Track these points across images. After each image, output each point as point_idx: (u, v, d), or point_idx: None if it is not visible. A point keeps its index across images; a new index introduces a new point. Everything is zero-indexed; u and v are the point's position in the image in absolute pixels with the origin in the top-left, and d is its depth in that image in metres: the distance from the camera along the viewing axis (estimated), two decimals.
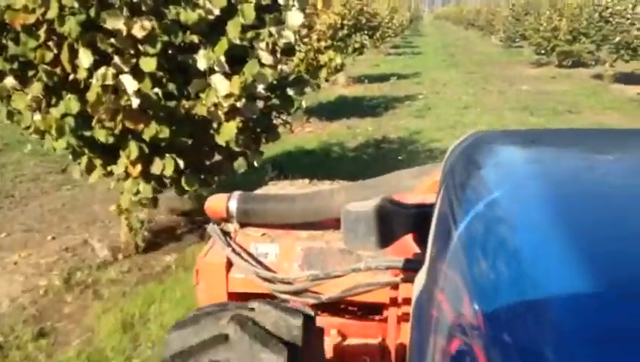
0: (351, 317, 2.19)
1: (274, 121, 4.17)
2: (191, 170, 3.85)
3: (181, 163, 3.68)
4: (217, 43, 3.49)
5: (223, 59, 3.34)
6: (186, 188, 3.82)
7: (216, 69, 3.35)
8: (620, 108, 11.52)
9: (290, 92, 3.87)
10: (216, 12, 3.43)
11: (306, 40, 8.85)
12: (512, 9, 25.43)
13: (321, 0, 9.20)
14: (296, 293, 1.92)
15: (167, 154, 3.67)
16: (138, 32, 3.20)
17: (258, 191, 2.43)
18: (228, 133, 3.57)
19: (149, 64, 3.32)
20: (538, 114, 10.80)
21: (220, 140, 3.60)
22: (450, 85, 15.28)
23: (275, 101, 3.96)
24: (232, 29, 3.43)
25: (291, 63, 8.91)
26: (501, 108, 11.51)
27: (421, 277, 1.10)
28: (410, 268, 1.62)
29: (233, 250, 2.01)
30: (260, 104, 4.11)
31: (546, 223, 0.74)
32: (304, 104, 3.89)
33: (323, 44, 9.02)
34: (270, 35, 3.63)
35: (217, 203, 2.11)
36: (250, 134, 3.89)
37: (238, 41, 3.49)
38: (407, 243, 1.58)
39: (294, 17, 3.61)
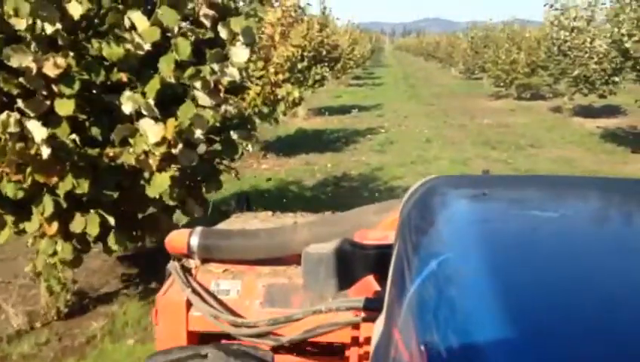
0: (312, 357, 2.14)
1: (218, 167, 3.70)
2: (120, 226, 3.34)
3: (111, 219, 3.17)
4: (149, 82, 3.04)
5: (151, 101, 2.88)
6: (114, 247, 3.30)
7: (144, 112, 2.88)
8: (580, 142, 11.46)
9: (234, 136, 3.42)
10: (147, 47, 2.98)
11: (262, 73, 8.46)
12: (471, 42, 25.74)
13: (278, 32, 8.88)
14: (258, 336, 1.88)
15: (90, 210, 3.17)
16: (51, 70, 2.72)
17: (221, 225, 2.42)
18: (160, 184, 3.09)
19: (65, 106, 2.84)
20: (500, 148, 10.63)
21: (151, 193, 3.12)
22: (411, 117, 15.11)
23: (218, 146, 3.50)
24: (165, 67, 2.98)
25: (248, 98, 8.50)
26: (463, 143, 11.31)
27: (381, 319, 1.14)
28: (371, 307, 1.62)
29: (193, 290, 1.96)
30: (203, 148, 3.66)
31: (489, 288, 0.80)
32: (251, 148, 3.42)
33: (281, 77, 8.63)
34: (212, 72, 3.20)
35: (178, 238, 2.06)
36: (189, 184, 3.41)
37: (172, 80, 3.04)
38: (369, 282, 1.57)
39: (239, 53, 3.19)
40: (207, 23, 3.36)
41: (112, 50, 2.87)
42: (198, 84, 2.99)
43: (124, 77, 3.06)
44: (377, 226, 1.86)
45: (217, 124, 3.41)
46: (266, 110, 8.69)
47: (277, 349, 1.95)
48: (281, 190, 7.52)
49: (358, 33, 28.03)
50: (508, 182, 1.69)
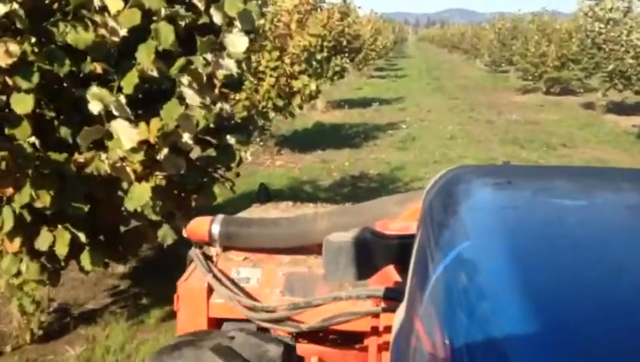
0: (331, 345, 2.15)
1: (213, 175, 3.19)
2: (96, 243, 2.86)
3: (82, 236, 2.70)
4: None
5: (123, 99, 2.38)
6: (88, 267, 2.82)
7: (115, 112, 2.39)
8: (616, 142, 10.75)
9: (230, 140, 2.91)
10: (123, 32, 2.48)
11: (277, 63, 7.94)
12: (498, 33, 24.89)
13: (295, 20, 8.35)
14: (277, 322, 1.90)
15: (59, 225, 2.69)
16: (2, 59, 2.24)
17: (241, 214, 2.38)
18: (140, 196, 2.60)
19: (22, 103, 2.36)
20: (530, 147, 9.98)
21: (130, 206, 2.63)
22: (434, 112, 14.48)
23: (212, 152, 2.99)
24: (145, 56, 2.48)
25: (261, 90, 8.01)
26: (490, 140, 10.68)
27: (402, 308, 1.14)
28: (391, 297, 1.62)
29: (214, 276, 1.99)
30: (197, 152, 3.16)
31: (512, 273, 0.80)
32: (249, 156, 2.88)
33: (297, 68, 8.11)
34: (206, 63, 2.70)
35: (199, 226, 2.09)
36: (177, 196, 2.92)
37: (154, 73, 2.54)
38: (389, 273, 1.58)
39: (237, 42, 2.68)
40: (201, 6, 2.85)
41: (78, 36, 2.38)
42: (184, 78, 2.49)
43: (98, 68, 2.57)
44: (399, 217, 1.86)
45: (212, 125, 2.91)
46: (280, 103, 8.18)
47: (297, 337, 1.94)
48: (294, 190, 7.01)
49: (381, 23, 27.31)
50: (530, 172, 1.65)
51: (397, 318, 1.16)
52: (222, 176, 3.13)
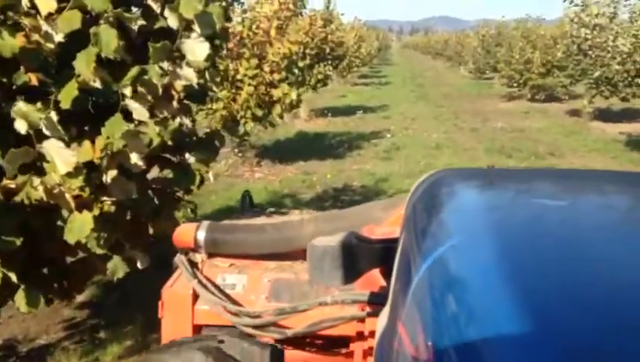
0: (317, 351, 2.14)
1: (174, 197, 2.83)
2: (34, 279, 2.49)
3: (12, 276, 2.32)
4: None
5: (54, 116, 2.03)
6: (24, 309, 2.45)
7: (45, 132, 2.03)
8: (604, 150, 10.54)
9: (190, 159, 2.55)
10: (59, 38, 2.13)
11: (256, 72, 7.60)
12: (482, 40, 24.77)
13: (274, 27, 8.01)
14: (262, 327, 1.90)
15: None
16: None
17: (227, 221, 2.39)
18: (80, 228, 2.23)
19: None
20: (517, 156, 9.73)
21: (71, 238, 2.27)
22: (419, 120, 14.22)
23: (169, 173, 2.64)
24: (84, 65, 2.12)
25: (239, 99, 7.67)
26: (475, 149, 10.42)
27: (385, 312, 1.14)
28: (377, 302, 1.61)
29: (199, 282, 1.99)
30: (154, 173, 2.82)
31: (497, 274, 0.79)
32: (212, 177, 2.53)
33: (277, 76, 7.77)
34: (163, 73, 2.35)
35: (185, 232, 2.11)
36: (130, 223, 2.55)
37: (96, 84, 2.19)
38: (374, 277, 1.54)
39: (196, 49, 2.34)
40: (157, 8, 2.51)
41: (3, 42, 2.02)
42: (128, 90, 2.13)
43: (33, 79, 2.21)
44: (384, 222, 1.87)
45: (170, 143, 2.56)
46: (260, 113, 7.83)
47: (282, 343, 1.93)
48: (274, 204, 6.64)
49: (365, 30, 27.09)
50: (512, 174, 1.70)
51: (380, 322, 1.16)
52: (182, 198, 2.77)
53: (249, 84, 7.62)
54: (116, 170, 2.29)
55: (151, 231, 2.56)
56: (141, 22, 2.43)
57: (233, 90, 7.69)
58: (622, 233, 0.98)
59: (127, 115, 2.17)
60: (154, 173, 2.81)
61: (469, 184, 1.28)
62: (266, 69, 7.69)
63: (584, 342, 0.64)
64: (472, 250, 0.89)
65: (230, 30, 7.57)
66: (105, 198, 2.39)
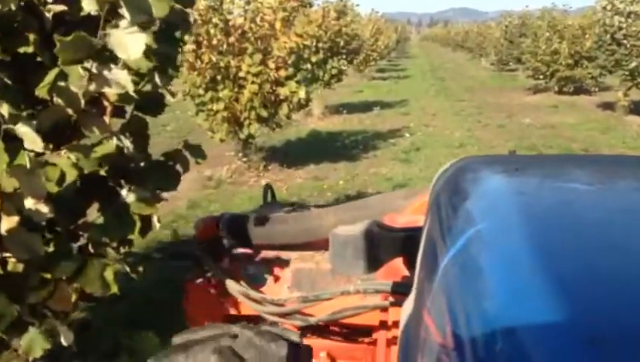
0: (340, 339, 2.14)
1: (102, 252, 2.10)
2: None
3: None
4: None
5: None
6: None
7: None
8: None
9: (128, 198, 1.84)
10: None
11: (260, 68, 6.91)
12: (505, 30, 23.77)
13: (280, 19, 7.30)
14: (286, 315, 1.91)
15: None
16: None
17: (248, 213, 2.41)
18: None
19: None
20: None
21: None
22: (440, 116, 13.42)
23: (98, 217, 1.92)
24: None
25: (242, 98, 6.97)
26: (503, 148, 9.58)
27: (410, 300, 1.13)
28: (400, 291, 1.60)
29: (222, 272, 2.01)
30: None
31: (526, 257, 0.77)
32: (157, 223, 1.80)
33: (283, 73, 7.06)
34: (89, 76, 1.66)
35: (207, 224, 2.15)
36: (44, 288, 1.86)
37: None
38: (397, 267, 1.53)
39: (127, 42, 1.64)
40: None
41: None
42: (4, 108, 1.44)
43: None
44: (406, 210, 1.88)
45: (104, 172, 1.86)
46: (265, 113, 7.14)
47: (305, 332, 1.98)
48: None
49: (383, 23, 26.23)
50: (538, 160, 1.79)
51: (405, 311, 1.14)
52: (117, 251, 2.03)
53: (253, 82, 6.93)
54: (16, 217, 1.60)
55: (74, 297, 1.85)
56: (60, 7, 1.76)
57: (235, 89, 7.00)
58: None
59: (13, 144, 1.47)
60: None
61: (493, 170, 1.25)
62: (271, 65, 6.98)
63: (616, 328, 0.62)
64: (500, 234, 0.87)
65: (231, 23, 6.89)
66: (6, 254, 1.71)
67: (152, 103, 2.08)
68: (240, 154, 7.74)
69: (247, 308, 1.95)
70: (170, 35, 2.10)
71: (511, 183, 1.17)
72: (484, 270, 0.80)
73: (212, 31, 6.72)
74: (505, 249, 0.82)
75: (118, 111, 1.95)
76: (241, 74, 6.93)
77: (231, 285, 1.96)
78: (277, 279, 2.04)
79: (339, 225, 1.42)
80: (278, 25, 6.98)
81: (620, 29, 11.73)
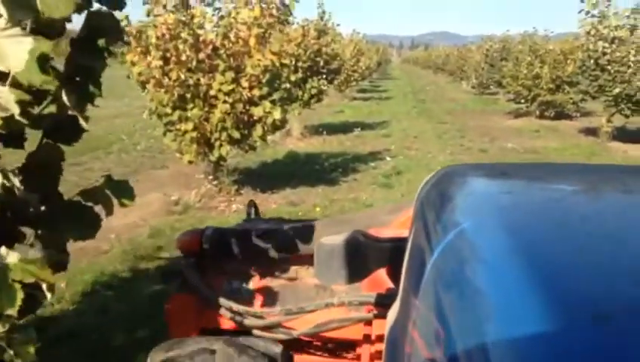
0: (323, 354, 2.12)
1: None
2: None
3: None
4: None
5: None
6: None
7: None
8: None
9: (9, 258, 1.36)
10: None
11: (232, 87, 6.49)
12: (486, 54, 23.74)
13: (254, 35, 6.90)
14: (269, 328, 1.92)
15: None
16: None
17: (232, 227, 2.42)
18: None
19: None
20: None
21: None
22: (422, 138, 13.11)
23: None
24: None
25: (213, 118, 6.55)
26: None
27: (394, 311, 1.12)
28: (384, 303, 1.56)
29: (205, 286, 2.00)
30: None
31: (511, 257, 0.75)
32: (49, 294, 1.33)
33: (257, 92, 6.65)
34: None
35: (190, 237, 2.16)
36: None
37: None
38: (381, 279, 1.56)
39: (9, 50, 1.21)
40: None
41: None
42: None
43: None
44: (391, 225, 1.92)
45: None
46: (237, 134, 6.71)
47: (288, 346, 1.95)
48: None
49: (364, 44, 26.07)
50: (522, 167, 1.75)
51: (389, 322, 1.13)
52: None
53: (224, 101, 6.51)
54: None
55: None
56: None
57: (206, 109, 6.57)
58: (627, 213, 0.97)
59: None
60: None
61: (477, 175, 1.25)
62: (244, 83, 6.57)
63: (605, 325, 0.61)
64: (485, 233, 0.84)
65: (202, 39, 6.48)
66: None
67: (64, 129, 1.64)
68: (210, 177, 7.27)
69: (231, 322, 1.94)
70: (92, 43, 1.67)
71: (495, 185, 1.17)
72: (465, 278, 0.77)
73: (181, 46, 6.29)
74: (485, 255, 0.80)
75: (13, 141, 1.52)
76: (212, 92, 6.51)
77: (213, 299, 1.96)
78: (261, 293, 2.03)
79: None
80: (252, 41, 6.58)
81: (604, 54, 11.56)
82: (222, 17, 6.81)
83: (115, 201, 1.70)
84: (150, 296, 4.13)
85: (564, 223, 0.90)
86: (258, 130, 6.83)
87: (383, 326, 1.22)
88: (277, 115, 6.72)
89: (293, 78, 11.74)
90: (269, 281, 2.07)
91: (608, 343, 0.57)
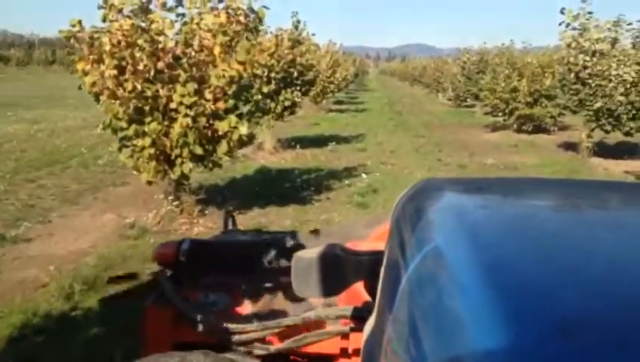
0: None
1: None
2: None
3: None
4: None
5: None
6: None
7: None
8: None
9: None
10: None
11: (194, 99, 5.95)
12: (463, 67, 23.55)
13: (220, 44, 6.38)
14: (246, 343, 1.92)
15: None
16: None
17: (209, 238, 2.47)
18: None
19: None
20: None
21: None
22: (399, 153, 12.71)
23: None
24: None
25: (173, 132, 5.99)
26: None
27: (370, 324, 1.12)
28: (361, 317, 1.60)
29: (181, 299, 1.99)
30: None
31: (482, 273, 0.75)
32: None
33: (222, 105, 6.12)
34: None
35: (168, 249, 2.14)
36: None
37: None
38: (358, 292, 1.56)
39: None
40: None
41: None
42: None
43: None
44: (368, 238, 1.92)
45: None
46: (200, 150, 6.16)
47: (265, 361, 1.95)
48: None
49: (341, 54, 25.69)
50: (498, 181, 1.77)
51: (365, 335, 1.13)
52: None
53: (185, 115, 5.95)
54: None
55: None
56: None
57: (165, 123, 6.01)
58: (603, 227, 0.99)
59: None
60: None
61: (452, 190, 1.24)
62: (208, 96, 6.04)
63: (571, 339, 0.61)
64: (458, 249, 0.84)
65: (161, 46, 5.93)
66: None
67: None
68: (171, 197, 6.70)
69: (207, 336, 1.92)
70: None
71: (470, 200, 1.18)
72: (436, 294, 0.77)
73: (138, 55, 5.73)
74: (455, 272, 0.79)
75: None
76: (172, 105, 5.96)
77: (189, 312, 1.94)
78: (238, 306, 2.02)
79: None
80: (217, 50, 6.05)
81: (585, 67, 11.28)
82: (184, 23, 6.27)
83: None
84: (86, 342, 3.55)
85: (538, 239, 0.91)
86: (223, 146, 6.28)
87: (360, 340, 1.23)
88: (243, 130, 6.19)
89: (265, 89, 11.25)
90: (246, 294, 2.05)
91: (575, 357, 0.58)
